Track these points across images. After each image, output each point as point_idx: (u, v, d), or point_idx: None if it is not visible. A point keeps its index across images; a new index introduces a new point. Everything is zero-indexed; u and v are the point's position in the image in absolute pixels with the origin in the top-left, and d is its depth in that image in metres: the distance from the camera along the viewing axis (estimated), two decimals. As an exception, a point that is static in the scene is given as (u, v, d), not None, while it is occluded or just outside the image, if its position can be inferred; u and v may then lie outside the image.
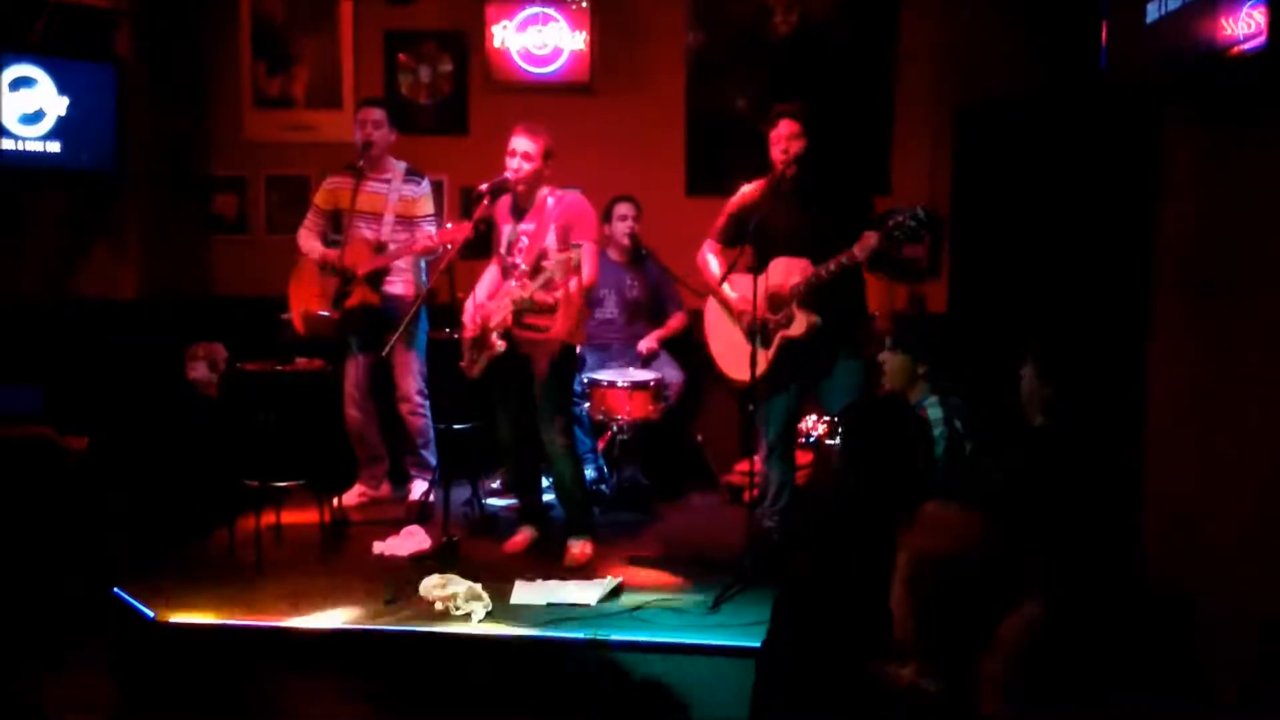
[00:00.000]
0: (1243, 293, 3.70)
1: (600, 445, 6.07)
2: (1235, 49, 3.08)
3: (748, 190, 5.07)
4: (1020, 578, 3.89)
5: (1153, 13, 3.57)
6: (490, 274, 5.13)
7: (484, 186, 4.87)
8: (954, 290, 6.42)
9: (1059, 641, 3.80)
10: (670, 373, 6.05)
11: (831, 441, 5.62)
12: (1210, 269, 3.95)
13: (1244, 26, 2.98)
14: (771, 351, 4.87)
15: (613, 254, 6.18)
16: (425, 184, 5.67)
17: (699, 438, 6.42)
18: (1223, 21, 3.11)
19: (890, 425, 4.68)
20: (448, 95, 6.99)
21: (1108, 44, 3.89)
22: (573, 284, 4.67)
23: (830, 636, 4.36)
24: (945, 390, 4.28)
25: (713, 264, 5.14)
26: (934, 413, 4.15)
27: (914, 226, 4.51)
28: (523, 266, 4.86)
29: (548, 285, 4.68)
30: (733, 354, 5.02)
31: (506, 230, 4.97)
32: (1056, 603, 3.67)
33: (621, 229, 6.11)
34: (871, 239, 4.59)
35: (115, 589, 4.41)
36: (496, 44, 6.74)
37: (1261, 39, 2.89)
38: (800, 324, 4.81)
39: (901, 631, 4.07)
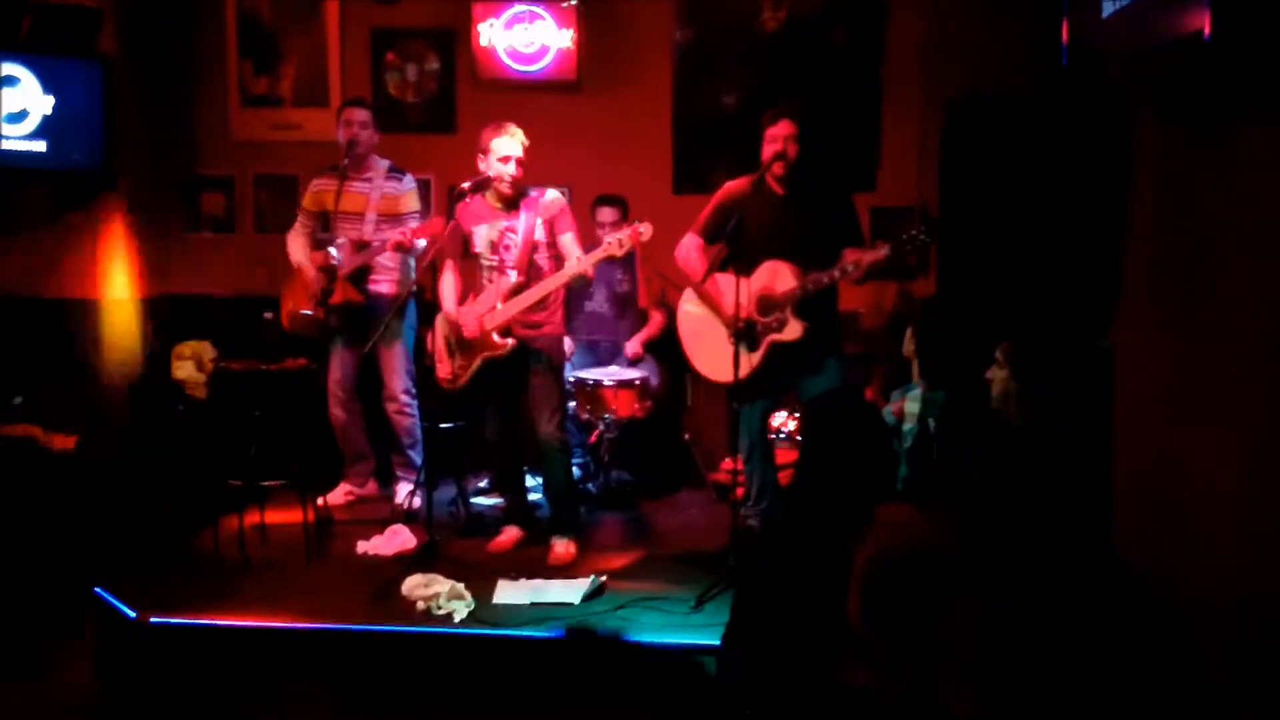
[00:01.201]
0: (1205, 281, 3.70)
1: (587, 444, 6.06)
2: (1183, 39, 3.11)
3: (733, 185, 5.05)
4: (975, 576, 3.89)
5: (1108, 7, 3.59)
6: (450, 281, 5.10)
7: (466, 185, 4.87)
8: (943, 287, 6.40)
9: (1025, 640, 3.80)
10: (650, 378, 6.02)
11: (800, 437, 5.60)
12: (1175, 258, 3.95)
13: (1191, 18, 3.00)
14: (759, 355, 4.84)
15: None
16: (408, 180, 5.66)
17: (686, 436, 6.41)
18: (1172, 14, 3.13)
19: (852, 423, 4.67)
20: (435, 93, 6.98)
21: (1069, 39, 3.90)
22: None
23: (791, 635, 4.35)
24: (933, 383, 4.26)
25: (694, 260, 5.06)
26: (911, 406, 4.13)
27: (926, 241, 4.51)
28: (519, 262, 4.86)
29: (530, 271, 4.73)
30: (713, 355, 4.98)
31: (482, 231, 4.96)
32: (1010, 600, 3.66)
33: (601, 234, 6.09)
34: (883, 250, 4.57)
35: (96, 588, 4.40)
36: (483, 42, 6.73)
37: (1205, 31, 2.92)
38: (795, 329, 4.79)
39: (860, 631, 4.07)
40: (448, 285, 5.07)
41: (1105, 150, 4.44)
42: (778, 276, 4.81)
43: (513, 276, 4.86)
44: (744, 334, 4.78)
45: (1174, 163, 3.88)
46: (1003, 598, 3.83)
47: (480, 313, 4.89)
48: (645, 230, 4.67)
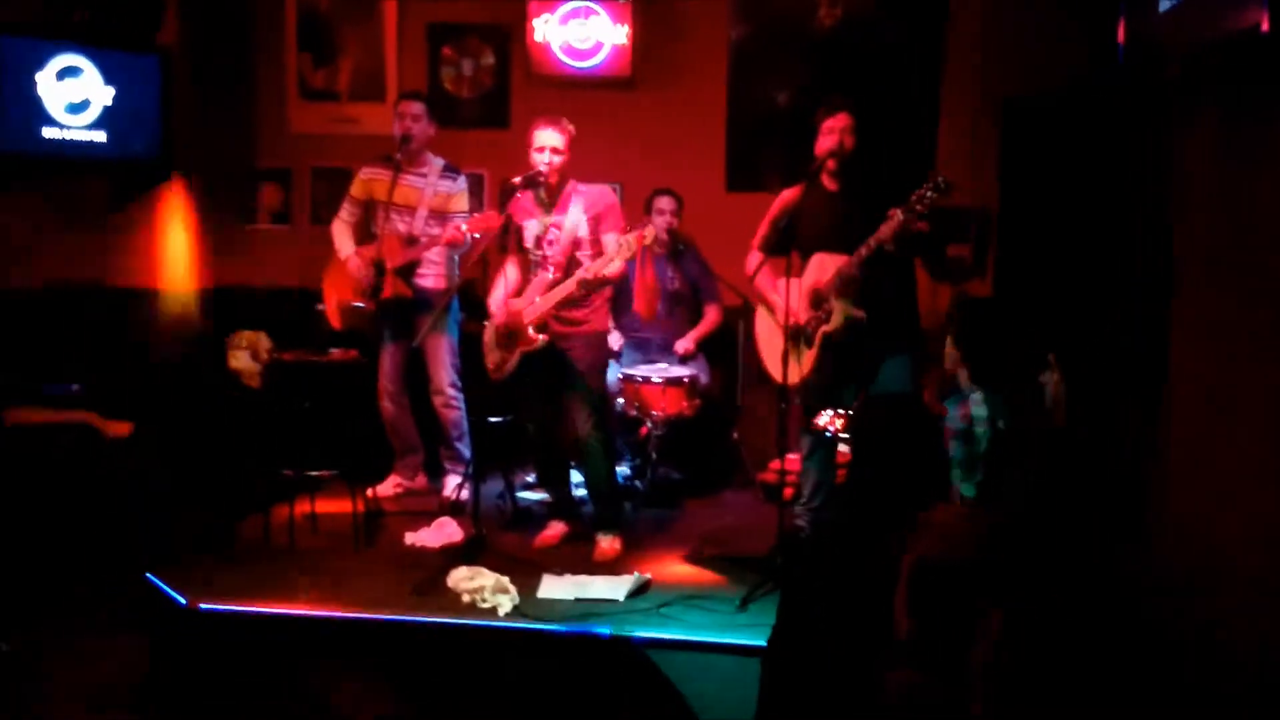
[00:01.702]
0: (1263, 276, 3.63)
1: (635, 441, 6.05)
2: (1241, 33, 3.05)
3: (787, 194, 5.02)
4: (1012, 583, 3.84)
5: (1164, 3, 3.54)
6: (508, 274, 5.12)
7: (517, 179, 4.87)
8: (1000, 290, 6.32)
9: (1056, 646, 3.75)
10: (700, 376, 6.00)
11: (845, 437, 5.55)
12: (1232, 254, 3.88)
13: (1249, 12, 2.94)
14: (814, 349, 4.82)
15: (653, 247, 6.17)
16: (461, 180, 5.67)
17: (735, 435, 6.38)
18: (1229, 8, 3.07)
19: (903, 423, 4.62)
20: (489, 89, 7.00)
21: (1125, 35, 3.84)
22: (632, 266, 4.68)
23: (838, 636, 4.32)
24: (991, 386, 4.17)
25: (759, 272, 5.08)
26: (978, 410, 4.06)
27: (933, 196, 4.44)
28: (557, 259, 4.85)
29: (608, 265, 4.70)
30: (778, 357, 4.99)
31: (531, 225, 4.96)
32: (1049, 606, 3.61)
33: (660, 223, 6.09)
34: (896, 214, 4.52)
35: (148, 574, 4.45)
36: (538, 38, 6.74)
37: (1263, 25, 2.87)
38: (837, 316, 4.76)
39: (903, 634, 4.03)
40: (502, 278, 5.08)
41: (1159, 147, 4.37)
42: (823, 269, 4.79)
43: (550, 273, 4.85)
44: (799, 332, 4.77)
45: (1231, 157, 3.82)
46: (1039, 603, 3.79)
47: (519, 307, 4.89)
48: (649, 233, 4.64)
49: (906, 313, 4.99)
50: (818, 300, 4.81)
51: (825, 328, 4.81)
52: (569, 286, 4.76)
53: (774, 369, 5.09)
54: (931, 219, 4.54)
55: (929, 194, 4.43)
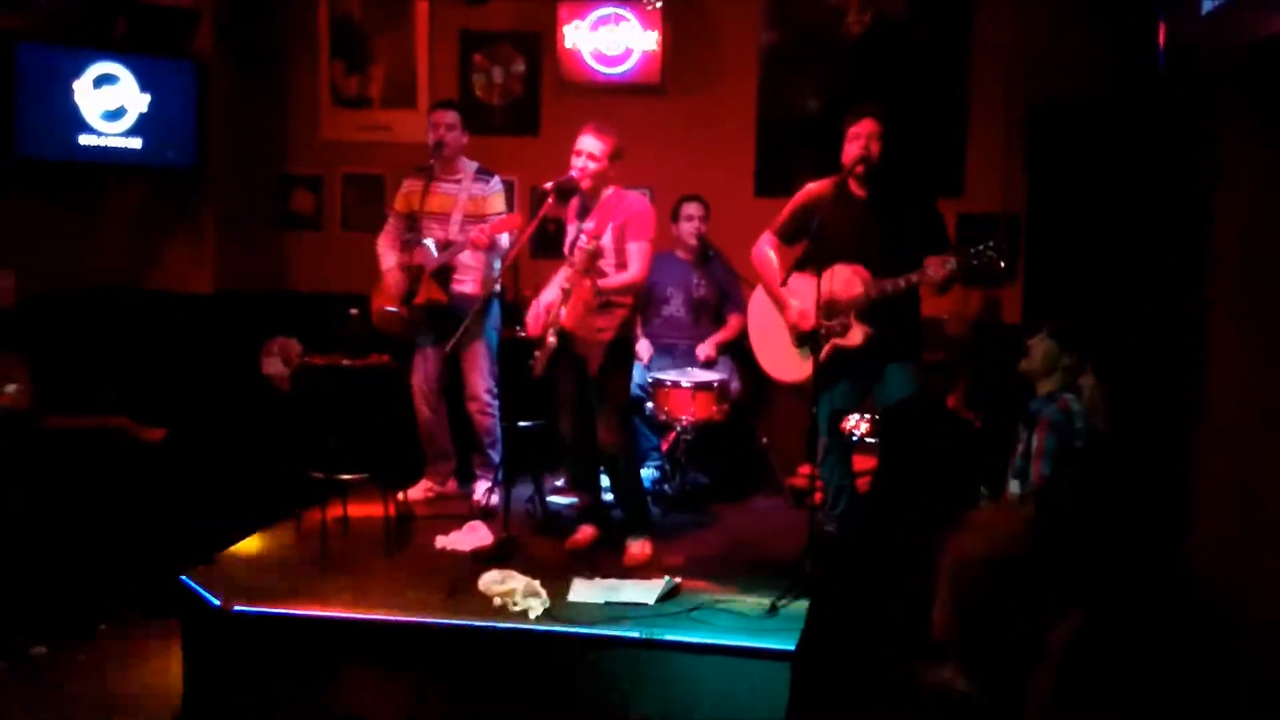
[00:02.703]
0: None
1: (664, 446, 6.06)
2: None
3: (814, 187, 4.99)
4: (1067, 584, 3.82)
5: (1207, 4, 3.52)
6: (559, 276, 5.15)
7: (549, 185, 4.90)
8: (1030, 296, 6.30)
9: (1107, 650, 3.74)
10: (730, 382, 6.00)
11: (872, 440, 5.54)
12: (1270, 257, 3.85)
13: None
14: (822, 358, 4.80)
15: (680, 253, 6.19)
16: (495, 182, 5.70)
17: (764, 440, 6.37)
18: (1273, 9, 3.05)
19: (933, 426, 4.61)
20: (520, 96, 7.03)
21: (1165, 39, 3.83)
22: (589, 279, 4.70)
23: (869, 637, 4.31)
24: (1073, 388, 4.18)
25: (771, 260, 5.05)
26: (1076, 406, 4.06)
27: (993, 256, 4.44)
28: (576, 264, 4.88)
29: (589, 273, 4.71)
30: (775, 351, 5.04)
31: (571, 230, 4.99)
32: (1103, 610, 3.60)
33: (688, 229, 6.10)
34: (951, 263, 4.50)
35: (183, 577, 4.49)
36: (568, 44, 6.76)
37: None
38: (857, 335, 4.75)
39: (943, 634, 4.01)
40: (555, 279, 5.12)
41: (1197, 151, 4.35)
42: (847, 281, 4.76)
43: (564, 281, 4.85)
44: (807, 337, 4.78)
45: (1271, 159, 3.79)
46: (1091, 608, 3.77)
47: (548, 308, 4.93)
48: (594, 246, 4.70)
49: (911, 321, 4.96)
50: (832, 311, 4.78)
51: (840, 341, 4.78)
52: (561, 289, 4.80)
53: (766, 362, 5.14)
54: (963, 225, 4.53)
55: (990, 251, 4.44)
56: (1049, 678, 3.77)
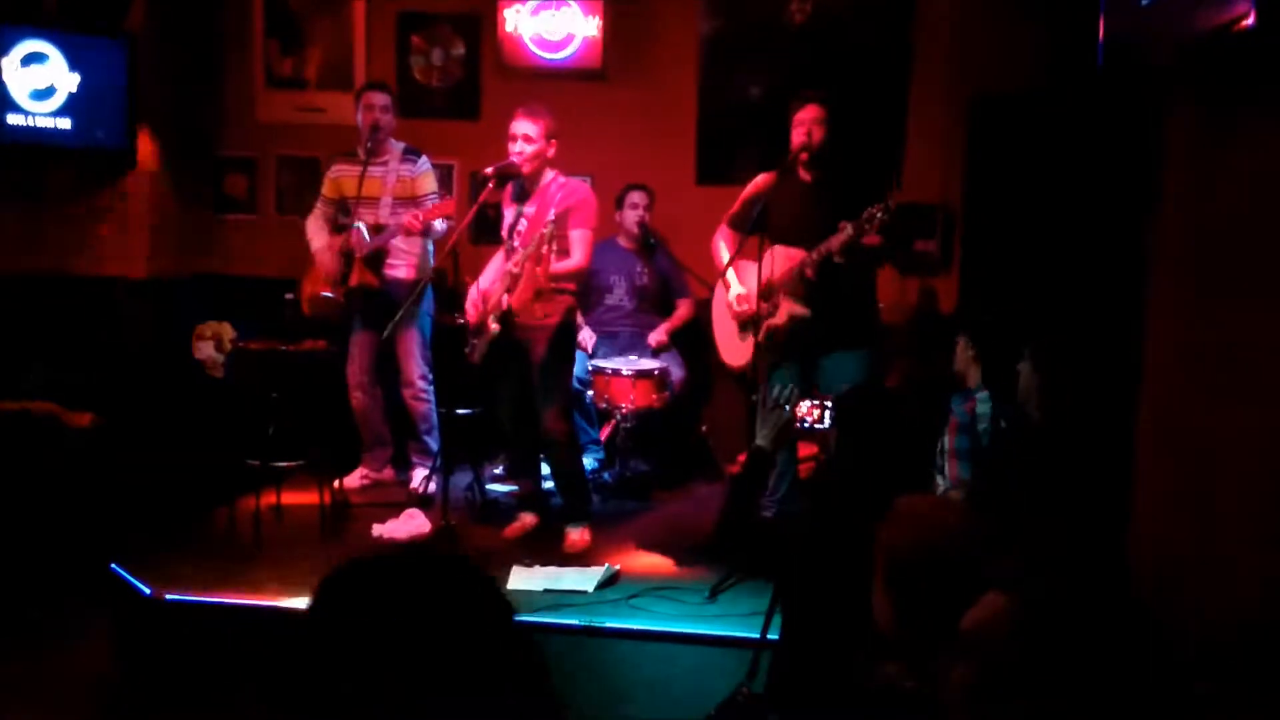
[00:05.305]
0: (1240, 268, 3.66)
1: (604, 434, 6.05)
2: (1226, 27, 3.07)
3: (763, 179, 5.05)
4: (992, 572, 3.86)
5: (1147, -5, 3.57)
6: (495, 261, 5.12)
7: (489, 170, 4.86)
8: (965, 285, 6.36)
9: (1033, 642, 3.77)
10: (673, 370, 6.01)
11: (821, 427, 5.57)
12: (1208, 246, 3.91)
13: (1235, 5, 2.96)
14: (760, 339, 4.86)
15: (623, 241, 6.19)
16: (423, 161, 5.62)
17: (703, 428, 6.39)
18: (1214, 1, 3.10)
19: (886, 415, 4.64)
20: (460, 79, 6.95)
21: (1105, 30, 3.86)
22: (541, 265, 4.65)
23: (818, 632, 4.33)
24: (998, 388, 4.21)
25: (722, 251, 5.15)
26: (982, 408, 4.10)
27: (882, 218, 4.50)
28: (521, 249, 4.85)
29: (533, 260, 4.67)
30: (727, 340, 5.15)
31: (508, 215, 4.96)
32: (1029, 600, 3.64)
33: (632, 217, 6.10)
34: (846, 229, 4.57)
35: (112, 565, 4.41)
36: (509, 28, 6.70)
37: (1250, 18, 2.89)
38: (781, 314, 4.81)
39: (884, 628, 4.04)
40: (491, 264, 5.11)
41: (1135, 143, 4.40)
42: (780, 262, 4.83)
43: (513, 263, 4.82)
44: (747, 320, 4.88)
45: (1211, 152, 3.84)
46: (1014, 596, 3.80)
47: (487, 294, 4.90)
48: (547, 231, 4.63)
49: (861, 310, 5.01)
50: (769, 292, 4.84)
51: (770, 322, 4.85)
52: (507, 276, 4.77)
53: (723, 352, 5.23)
54: (897, 217, 4.57)
55: (879, 215, 4.49)
56: (965, 666, 3.79)
